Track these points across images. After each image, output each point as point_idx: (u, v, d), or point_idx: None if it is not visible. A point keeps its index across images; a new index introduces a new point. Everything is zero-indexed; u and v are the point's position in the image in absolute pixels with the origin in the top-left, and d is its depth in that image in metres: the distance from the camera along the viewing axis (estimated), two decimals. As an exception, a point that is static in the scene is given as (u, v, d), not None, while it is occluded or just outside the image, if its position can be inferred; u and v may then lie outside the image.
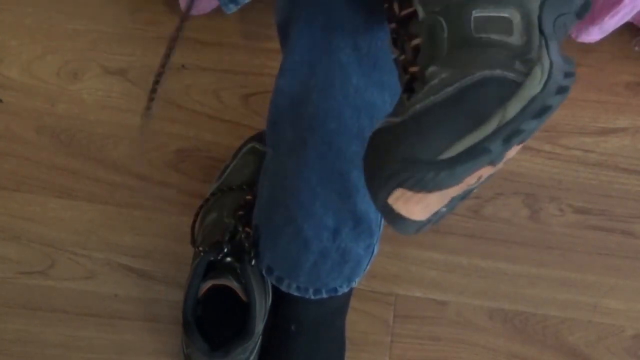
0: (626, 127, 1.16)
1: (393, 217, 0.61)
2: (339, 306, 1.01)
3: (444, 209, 0.63)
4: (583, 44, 1.14)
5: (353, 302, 1.03)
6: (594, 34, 1.11)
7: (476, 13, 0.58)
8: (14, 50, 1.19)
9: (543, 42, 0.58)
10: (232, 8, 0.84)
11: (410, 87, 0.61)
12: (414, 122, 0.57)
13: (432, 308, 1.07)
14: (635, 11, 1.09)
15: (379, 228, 0.90)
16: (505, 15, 0.58)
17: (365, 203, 0.85)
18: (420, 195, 0.58)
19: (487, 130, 0.56)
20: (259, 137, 1.06)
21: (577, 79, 1.25)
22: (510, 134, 0.57)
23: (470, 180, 0.59)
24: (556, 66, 0.58)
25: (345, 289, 0.94)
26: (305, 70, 0.79)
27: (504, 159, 0.59)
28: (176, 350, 1.03)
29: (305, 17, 0.78)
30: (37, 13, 1.21)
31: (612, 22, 1.09)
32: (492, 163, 0.58)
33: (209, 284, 0.94)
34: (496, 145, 0.57)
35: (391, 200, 0.59)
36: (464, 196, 0.63)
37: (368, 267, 0.93)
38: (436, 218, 0.64)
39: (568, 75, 0.60)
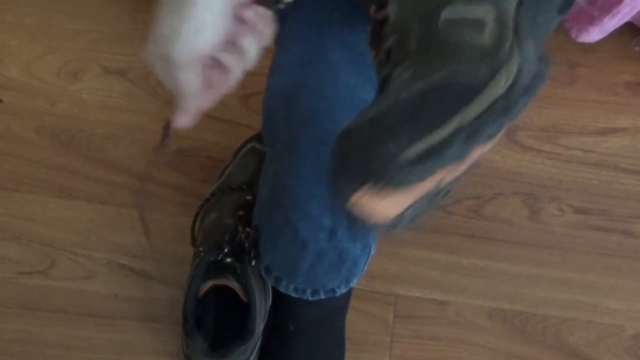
0: (626, 127, 1.16)
1: (353, 219, 0.61)
2: (338, 306, 1.01)
3: (409, 213, 0.62)
4: (583, 44, 1.14)
5: (353, 302, 1.03)
6: (594, 34, 1.11)
7: (445, 15, 0.58)
8: (14, 50, 1.19)
9: (515, 43, 0.58)
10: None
11: (381, 88, 0.61)
12: (373, 124, 0.57)
13: (432, 308, 1.07)
14: (635, 11, 1.09)
15: (376, 228, 0.90)
16: (476, 16, 0.58)
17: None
18: (378, 197, 0.58)
19: (446, 132, 0.56)
20: (259, 137, 1.06)
21: (577, 79, 1.25)
22: (470, 134, 0.57)
23: (431, 183, 0.59)
24: (526, 68, 0.57)
25: (343, 290, 0.94)
26: (297, 70, 0.79)
27: (467, 160, 0.59)
28: (176, 350, 1.03)
29: (297, 16, 0.77)
30: (37, 13, 1.21)
31: (612, 22, 1.09)
32: (453, 164, 0.58)
33: (209, 284, 0.94)
34: (455, 146, 0.57)
35: (350, 202, 0.59)
36: (431, 200, 0.62)
37: (365, 267, 0.93)
38: (402, 222, 0.63)
39: (537, 76, 0.59)
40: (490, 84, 0.56)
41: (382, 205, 0.60)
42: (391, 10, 0.61)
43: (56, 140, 1.14)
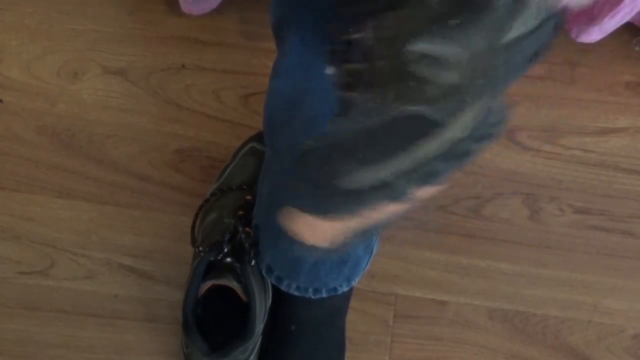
0: (626, 127, 1.16)
1: (287, 236, 0.62)
2: (339, 306, 1.01)
3: (347, 240, 0.62)
4: (583, 44, 1.14)
5: (353, 302, 1.03)
6: (594, 34, 1.11)
7: (417, 48, 0.56)
8: (14, 50, 1.19)
9: (486, 86, 0.56)
10: None
11: (342, 109, 0.60)
12: (326, 148, 0.57)
13: (432, 308, 1.07)
14: (635, 11, 1.09)
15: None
16: (448, 55, 0.56)
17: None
18: (315, 220, 0.59)
19: (393, 167, 0.55)
20: (259, 137, 1.06)
21: (577, 79, 1.25)
22: (420, 174, 0.55)
23: (371, 215, 0.58)
24: (493, 112, 0.56)
25: (345, 289, 0.94)
26: (300, 73, 0.79)
27: (412, 198, 0.58)
28: (176, 350, 1.03)
29: (297, 18, 0.77)
30: (37, 13, 1.21)
31: (612, 22, 1.09)
32: (396, 200, 0.57)
33: (209, 284, 0.94)
34: (400, 183, 0.56)
35: (284, 219, 0.60)
36: (369, 231, 0.61)
37: (367, 266, 0.93)
38: (340, 249, 0.63)
39: (500, 122, 0.58)
40: (455, 123, 0.54)
41: (312, 231, 0.60)
42: (365, 35, 0.60)
43: (56, 140, 1.14)
